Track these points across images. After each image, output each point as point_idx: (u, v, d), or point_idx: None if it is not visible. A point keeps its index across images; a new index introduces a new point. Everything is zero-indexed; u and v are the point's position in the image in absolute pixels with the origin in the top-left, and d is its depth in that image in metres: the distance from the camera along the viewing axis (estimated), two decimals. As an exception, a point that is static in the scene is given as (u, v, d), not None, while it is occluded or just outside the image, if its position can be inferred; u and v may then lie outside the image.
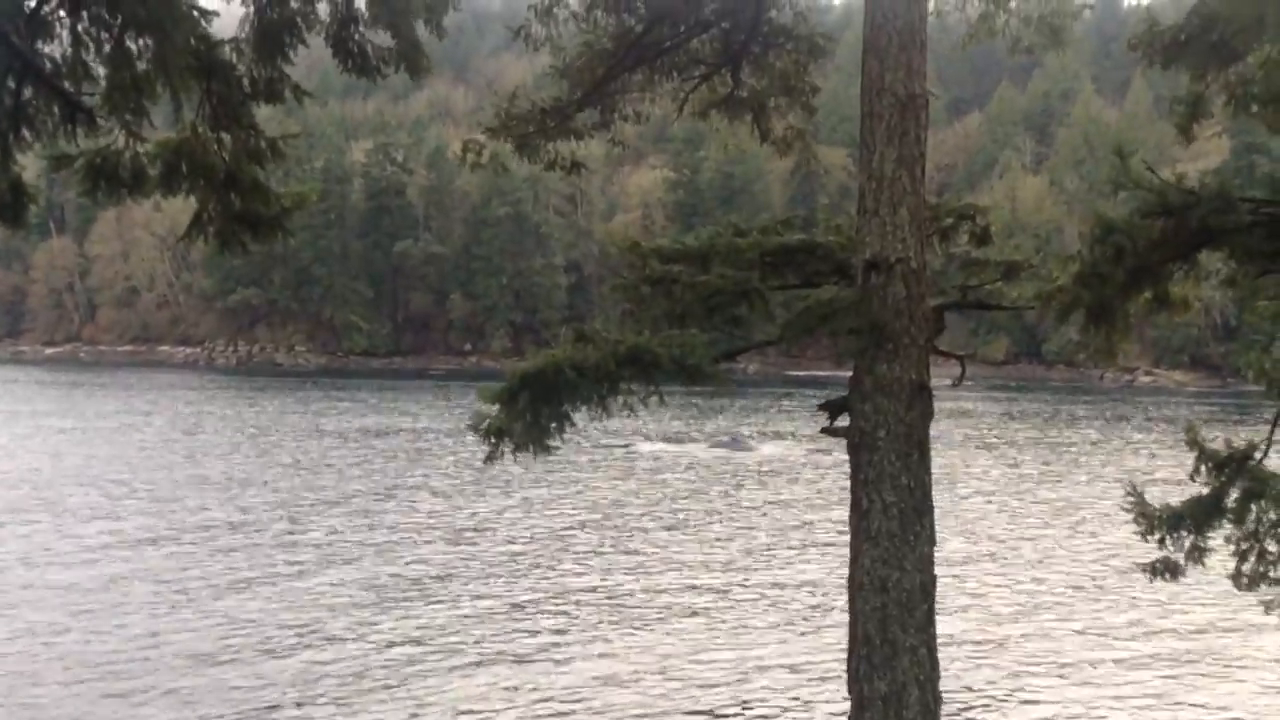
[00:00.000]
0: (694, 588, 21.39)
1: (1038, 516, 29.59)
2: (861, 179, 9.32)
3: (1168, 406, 63.76)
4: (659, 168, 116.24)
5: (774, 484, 34.78)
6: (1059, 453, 43.85)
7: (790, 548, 25.13)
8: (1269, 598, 9.44)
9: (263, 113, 9.40)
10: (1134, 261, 9.23)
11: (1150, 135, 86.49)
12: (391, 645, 17.44)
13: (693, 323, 9.79)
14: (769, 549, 24.97)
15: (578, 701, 15.06)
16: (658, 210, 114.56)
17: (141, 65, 7.52)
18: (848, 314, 9.10)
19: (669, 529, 27.47)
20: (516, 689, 15.56)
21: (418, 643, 17.62)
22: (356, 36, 9.87)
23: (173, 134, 8.21)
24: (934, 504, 8.80)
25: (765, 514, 29.43)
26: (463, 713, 14.69)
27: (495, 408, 8.89)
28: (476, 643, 17.72)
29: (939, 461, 40.05)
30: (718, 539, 26.14)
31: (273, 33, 9.08)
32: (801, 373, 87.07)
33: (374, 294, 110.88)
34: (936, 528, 8.83)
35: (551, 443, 9.09)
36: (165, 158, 7.97)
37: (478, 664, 16.66)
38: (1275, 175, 9.78)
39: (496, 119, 10.98)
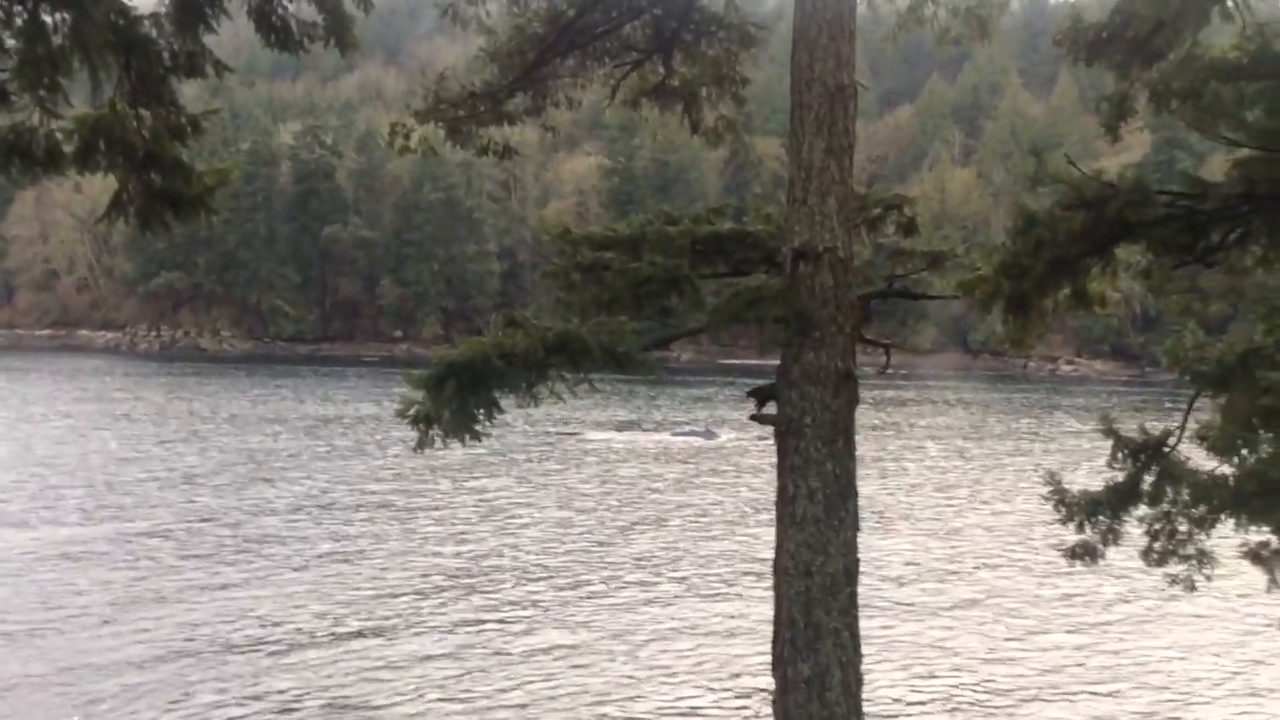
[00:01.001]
0: (620, 573, 21.47)
1: (959, 502, 30.18)
2: (791, 169, 9.40)
3: (1088, 395, 65.25)
4: (594, 155, 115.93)
5: (708, 470, 34.97)
6: (982, 440, 44.70)
7: (719, 533, 25.31)
8: (1175, 572, 9.71)
9: (187, 93, 9.20)
10: (1053, 253, 9.43)
11: (1075, 129, 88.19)
12: (343, 635, 17.24)
13: (622, 310, 9.79)
14: (700, 535, 25.15)
15: (512, 681, 15.07)
16: (592, 197, 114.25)
17: (57, 39, 7.32)
18: (775, 302, 9.19)
19: (602, 516, 27.51)
20: (449, 679, 15.49)
21: (367, 634, 17.46)
22: (280, 10, 9.72)
23: (91, 110, 8.00)
24: (858, 490, 8.94)
25: (697, 500, 29.61)
26: (414, 698, 14.60)
27: (422, 394, 8.83)
28: (419, 627, 17.60)
29: (864, 448, 40.44)
30: (645, 526, 26.24)
31: (193, 5, 8.88)
32: (734, 361, 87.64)
33: (302, 279, 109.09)
34: (860, 513, 8.97)
35: (480, 430, 9.06)
36: (82, 135, 7.75)
37: (420, 649, 16.56)
38: (1192, 170, 9.99)
39: (425, 102, 10.87)
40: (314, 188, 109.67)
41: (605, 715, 14.21)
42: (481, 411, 8.98)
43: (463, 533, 25.39)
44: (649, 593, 20.10)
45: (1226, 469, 8.47)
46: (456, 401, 8.72)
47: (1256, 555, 9.10)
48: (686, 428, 45.63)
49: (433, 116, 10.85)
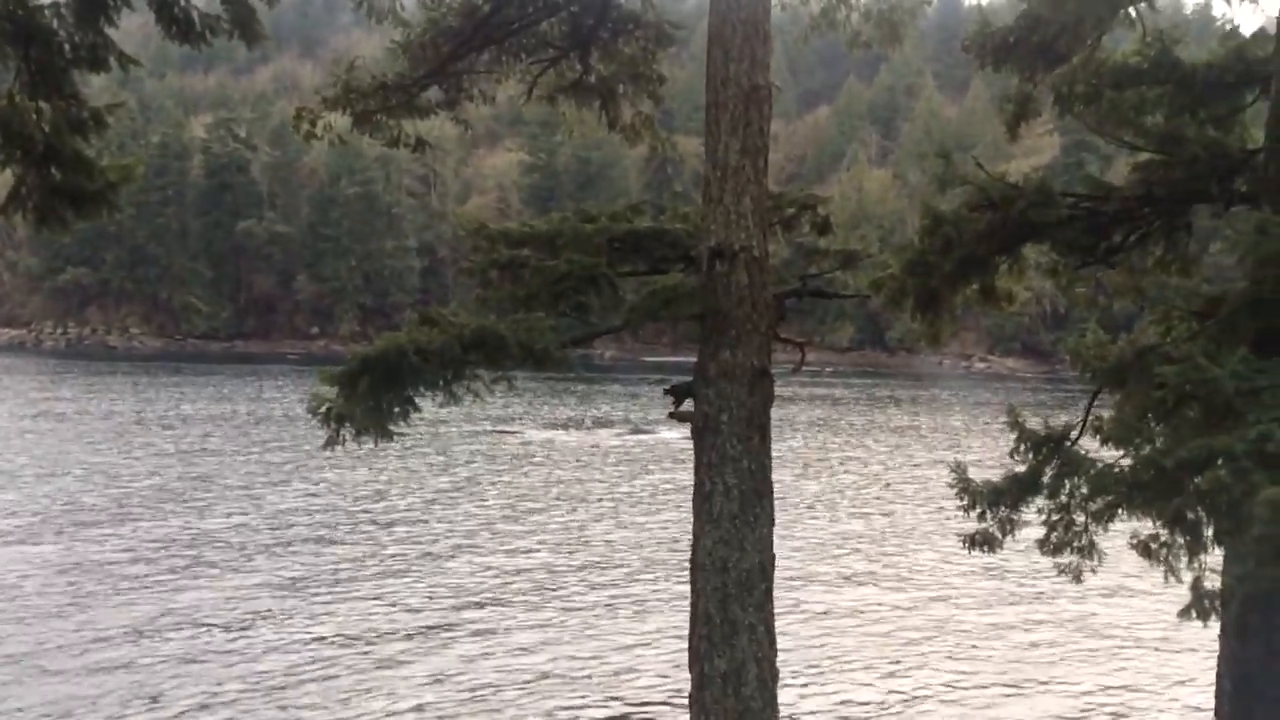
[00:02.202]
0: (536, 571, 21.39)
1: (873, 496, 30.67)
2: (706, 168, 9.45)
3: (999, 391, 66.74)
4: (514, 150, 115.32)
5: (633, 466, 35.01)
6: (895, 435, 45.51)
7: (640, 529, 25.38)
8: (1066, 562, 9.97)
9: (94, 85, 8.95)
10: (961, 252, 9.69)
11: (988, 131, 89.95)
12: (271, 640, 16.92)
13: (540, 307, 9.75)
14: (621, 532, 25.18)
15: (429, 681, 14.95)
16: (513, 193, 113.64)
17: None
18: (691, 300, 9.25)
19: (526, 513, 27.40)
20: (371, 683, 15.31)
21: (299, 639, 17.16)
22: (182, 2, 9.50)
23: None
24: (774, 486, 9.04)
25: (620, 496, 29.64)
26: (340, 701, 14.41)
27: (334, 391, 8.70)
28: (349, 630, 17.36)
29: (781, 444, 40.84)
30: (566, 524, 26.20)
31: (94, -6, 8.65)
32: (658, 358, 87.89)
33: (214, 275, 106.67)
34: (776, 509, 9.08)
35: (394, 428, 8.96)
36: (-23, 127, 7.50)
37: (346, 654, 16.33)
38: (1099, 173, 10.31)
39: (334, 89, 10.71)
40: (227, 181, 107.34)
41: (521, 713, 14.16)
42: (396, 409, 8.89)
43: (374, 532, 25.09)
44: (565, 590, 20.07)
45: (1123, 462, 8.71)
46: (370, 399, 8.61)
47: (1146, 548, 9.39)
48: (614, 425, 45.67)
49: (341, 105, 10.68)
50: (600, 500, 29.19)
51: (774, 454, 9.21)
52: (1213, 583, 7.79)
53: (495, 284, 10.53)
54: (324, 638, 17.06)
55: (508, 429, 43.98)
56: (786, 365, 10.87)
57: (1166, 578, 8.78)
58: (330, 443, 8.78)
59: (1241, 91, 10.69)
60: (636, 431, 43.63)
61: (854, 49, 12.18)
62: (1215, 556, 8.10)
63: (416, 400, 8.93)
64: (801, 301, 11.46)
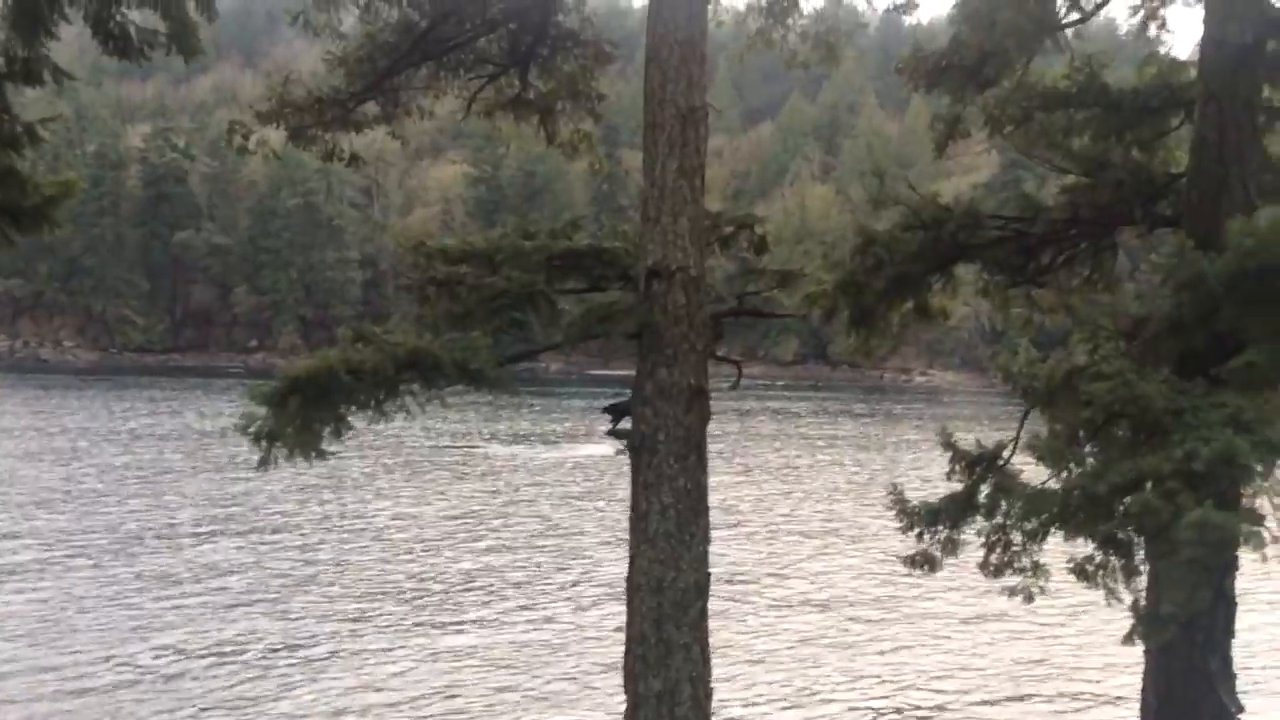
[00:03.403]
0: (476, 590, 21.19)
1: (811, 513, 30.69)
2: (644, 188, 9.47)
3: (938, 405, 67.65)
4: (459, 162, 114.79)
5: (569, 483, 34.89)
6: (835, 450, 45.76)
7: (581, 549, 25.23)
8: (1013, 584, 10.02)
9: (29, 92, 8.79)
10: (894, 271, 9.80)
11: (927, 149, 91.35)
12: (227, 653, 16.58)
13: (477, 325, 9.69)
14: (562, 550, 25.01)
15: (361, 700, 14.75)
16: (458, 206, 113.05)
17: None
18: (627, 319, 9.25)
19: (459, 531, 27.18)
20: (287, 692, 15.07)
21: (251, 650, 16.82)
22: (118, 16, 9.35)
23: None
24: (710, 504, 9.04)
25: (563, 514, 29.47)
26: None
27: (265, 410, 8.57)
28: (283, 647, 17.07)
29: (721, 461, 40.78)
30: (504, 541, 25.95)
31: (31, 9, 8.50)
32: (607, 372, 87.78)
33: (151, 287, 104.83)
34: (715, 527, 9.08)
35: (326, 448, 8.85)
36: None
37: (281, 669, 16.04)
38: (1036, 191, 10.49)
39: (269, 103, 10.60)
40: (165, 192, 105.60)
41: None
42: (328, 429, 8.77)
43: (318, 546, 24.75)
44: (503, 610, 19.87)
45: (1054, 483, 8.82)
46: (300, 418, 8.49)
47: (1082, 570, 9.48)
48: (552, 440, 45.51)
49: (276, 119, 10.59)
50: (537, 518, 28.97)
51: (714, 470, 9.21)
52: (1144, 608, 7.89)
53: (433, 301, 10.45)
54: (233, 655, 16.79)
55: (447, 444, 43.65)
56: (729, 380, 10.90)
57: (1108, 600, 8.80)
58: (262, 463, 8.64)
59: (1167, 116, 10.94)
60: (575, 447, 43.46)
61: (792, 68, 12.34)
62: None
63: (349, 419, 8.85)
64: (740, 318, 11.57)
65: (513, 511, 29.87)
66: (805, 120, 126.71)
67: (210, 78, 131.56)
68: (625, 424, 9.38)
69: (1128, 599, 7.86)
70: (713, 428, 9.36)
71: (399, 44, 10.63)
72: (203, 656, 16.68)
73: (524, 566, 23.26)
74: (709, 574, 8.88)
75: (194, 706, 14.70)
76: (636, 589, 8.69)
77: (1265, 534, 6.92)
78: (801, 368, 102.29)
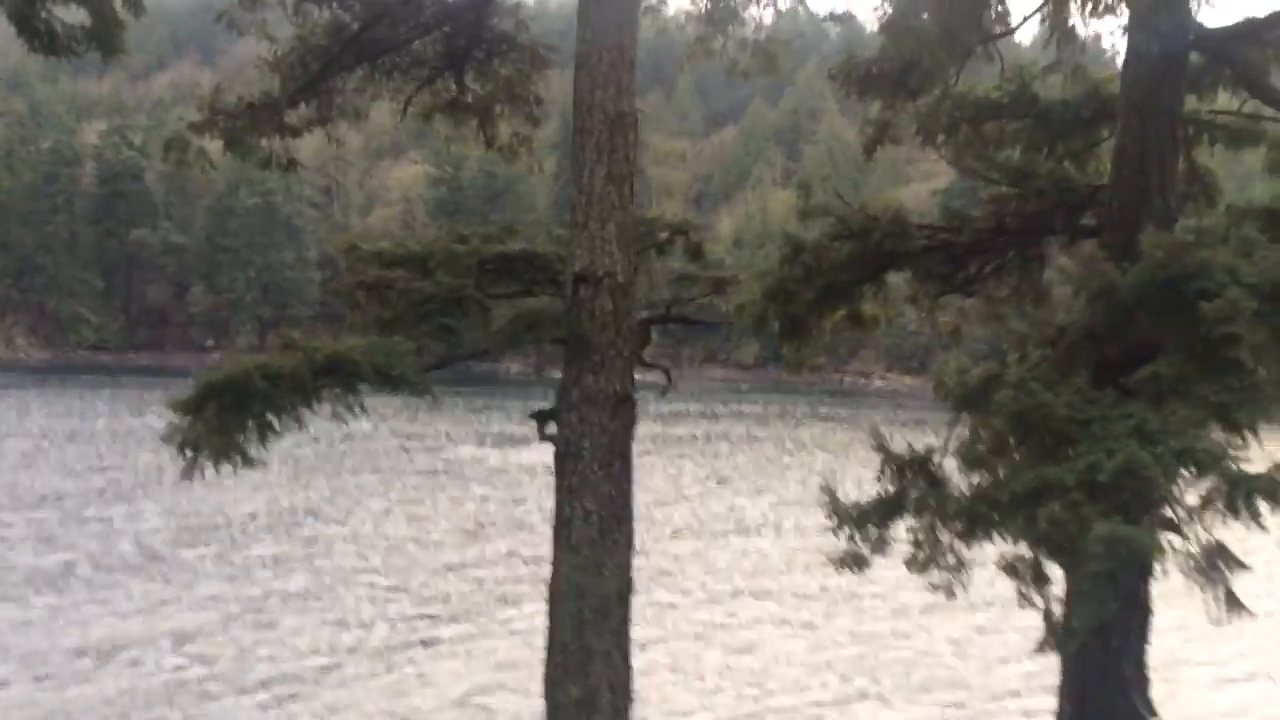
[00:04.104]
0: (397, 594, 20.95)
1: (746, 517, 30.30)
2: (573, 194, 9.43)
3: (892, 409, 67.92)
4: (420, 163, 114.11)
5: (502, 487, 34.56)
6: (783, 453, 45.70)
7: (508, 552, 24.86)
8: (937, 580, 10.05)
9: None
10: (825, 280, 9.82)
11: (886, 155, 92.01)
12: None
13: (405, 330, 9.62)
14: (489, 555, 24.65)
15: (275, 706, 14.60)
16: (419, 206, 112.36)
17: None
18: (555, 325, 9.21)
19: (386, 533, 26.95)
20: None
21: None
22: (44, 13, 9.22)
23: None
24: (647, 509, 9.03)
25: (489, 519, 29.13)
26: None
27: (187, 419, 8.45)
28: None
29: (663, 464, 40.69)
30: (430, 544, 25.60)
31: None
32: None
33: (105, 285, 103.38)
34: (648, 532, 9.07)
35: (252, 454, 8.73)
36: None
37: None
38: (949, 205, 10.54)
39: (201, 113, 10.48)
40: (120, 190, 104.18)
41: None
42: (251, 434, 8.65)
43: (251, 544, 24.50)
44: (425, 613, 19.64)
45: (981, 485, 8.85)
46: (219, 425, 8.38)
47: (1012, 568, 9.55)
48: (489, 443, 45.10)
49: (209, 129, 10.46)
50: (473, 521, 28.61)
51: (655, 474, 9.19)
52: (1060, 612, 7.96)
53: (363, 305, 10.38)
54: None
55: (397, 445, 43.34)
56: (694, 385, 10.88)
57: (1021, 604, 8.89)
58: (188, 471, 8.53)
59: (1097, 127, 11.08)
60: (518, 451, 42.55)
61: (732, 76, 12.35)
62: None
63: (275, 424, 8.75)
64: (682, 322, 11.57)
65: (448, 513, 29.54)
66: (767, 125, 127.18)
67: (168, 75, 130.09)
68: (552, 429, 9.35)
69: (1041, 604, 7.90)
70: (661, 431, 9.32)
71: (330, 46, 10.53)
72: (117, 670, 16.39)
73: (447, 573, 22.86)
74: (631, 581, 8.86)
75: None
76: (558, 596, 8.66)
77: (1174, 541, 7.02)
78: (762, 371, 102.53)
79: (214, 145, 10.88)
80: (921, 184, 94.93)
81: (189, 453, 8.45)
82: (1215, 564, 6.63)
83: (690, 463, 41.05)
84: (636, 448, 9.16)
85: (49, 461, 37.29)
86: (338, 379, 8.47)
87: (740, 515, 30.67)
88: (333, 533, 26.77)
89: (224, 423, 8.30)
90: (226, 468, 8.60)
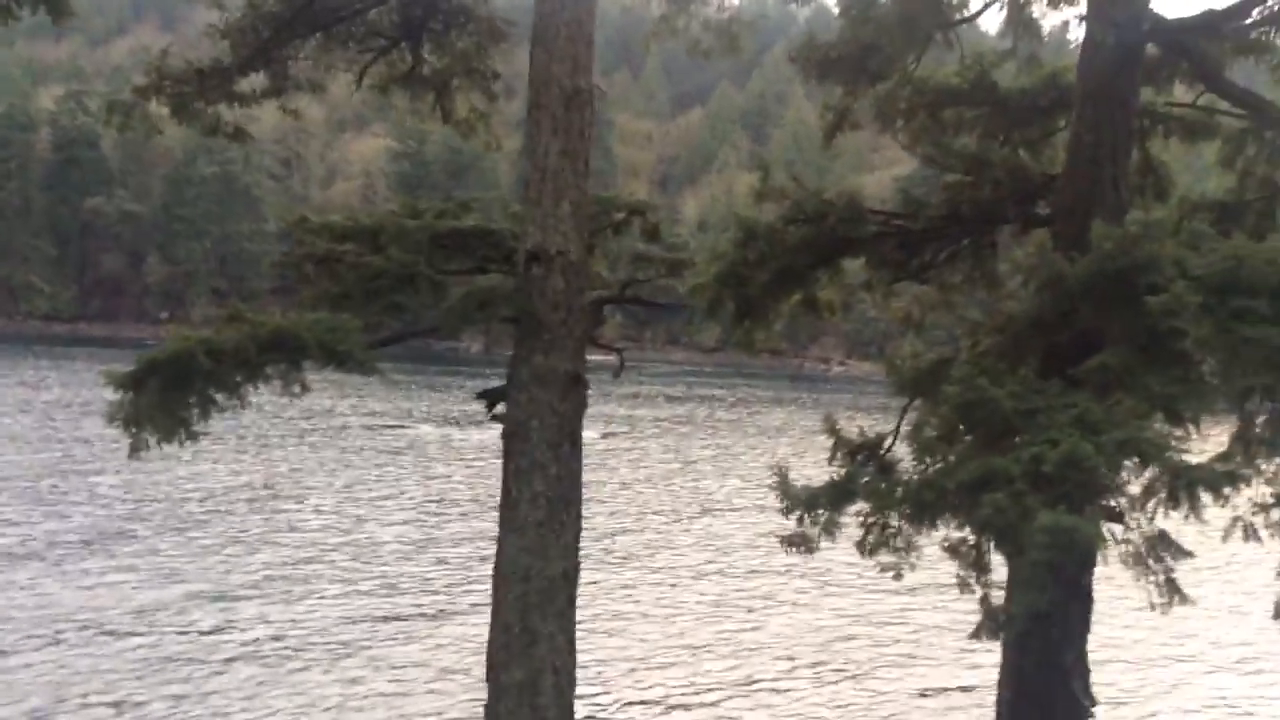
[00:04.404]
0: (345, 573, 20.72)
1: (706, 499, 30.28)
2: (527, 170, 9.31)
3: (851, 395, 68.33)
4: (382, 137, 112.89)
5: (451, 466, 34.34)
6: (738, 437, 45.74)
7: (455, 534, 24.70)
8: (885, 562, 10.08)
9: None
10: (779, 264, 9.77)
11: (852, 141, 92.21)
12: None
13: (355, 306, 9.46)
14: (434, 535, 24.45)
15: (211, 686, 14.43)
16: (380, 180, 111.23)
17: None
18: (506, 303, 9.07)
19: (350, 507, 26.75)
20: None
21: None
22: (-16, -26, 8.95)
23: None
24: (597, 493, 8.95)
25: (436, 499, 28.89)
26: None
27: (129, 395, 8.27)
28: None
29: (619, 444, 40.29)
30: (382, 524, 25.39)
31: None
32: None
33: (59, 253, 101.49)
34: (596, 514, 8.99)
35: (197, 430, 8.56)
36: None
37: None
38: (906, 190, 10.51)
39: (147, 77, 10.23)
40: (75, 156, 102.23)
41: None
42: (195, 410, 8.48)
43: (203, 522, 24.21)
44: (382, 596, 19.45)
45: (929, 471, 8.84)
46: (162, 401, 8.20)
47: (955, 550, 9.59)
48: (447, 422, 44.85)
49: (154, 93, 10.22)
50: (413, 502, 28.40)
51: (606, 457, 9.11)
52: (998, 600, 7.99)
53: (312, 279, 10.18)
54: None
55: (352, 422, 43.01)
56: (667, 365, 10.78)
57: (961, 591, 8.95)
58: (134, 450, 8.36)
59: (1054, 116, 11.09)
60: (475, 430, 42.10)
61: (693, 56, 12.23)
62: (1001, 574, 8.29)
63: (219, 400, 8.58)
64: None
65: (409, 491, 29.33)
66: (734, 108, 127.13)
67: (127, 41, 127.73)
68: (502, 409, 9.24)
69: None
70: (620, 413, 9.23)
71: (282, 13, 10.31)
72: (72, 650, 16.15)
73: (391, 554, 22.66)
74: (579, 564, 8.80)
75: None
76: (503, 577, 8.58)
77: (1117, 531, 7.05)
78: (724, 354, 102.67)
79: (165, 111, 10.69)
80: (885, 171, 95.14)
81: (133, 430, 8.30)
82: (1157, 553, 6.67)
83: (651, 444, 41.03)
84: (598, 429, 9.08)
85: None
86: (283, 355, 8.31)
87: (697, 498, 30.68)
88: (292, 510, 26.51)
89: (167, 399, 8.13)
90: (173, 443, 8.55)
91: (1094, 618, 9.04)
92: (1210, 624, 19.14)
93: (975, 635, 7.38)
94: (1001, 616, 7.32)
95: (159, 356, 7.99)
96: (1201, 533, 6.86)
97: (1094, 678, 9.03)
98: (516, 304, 8.93)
